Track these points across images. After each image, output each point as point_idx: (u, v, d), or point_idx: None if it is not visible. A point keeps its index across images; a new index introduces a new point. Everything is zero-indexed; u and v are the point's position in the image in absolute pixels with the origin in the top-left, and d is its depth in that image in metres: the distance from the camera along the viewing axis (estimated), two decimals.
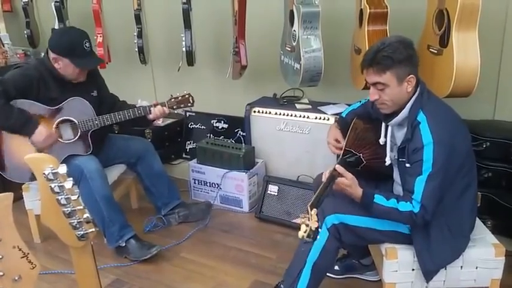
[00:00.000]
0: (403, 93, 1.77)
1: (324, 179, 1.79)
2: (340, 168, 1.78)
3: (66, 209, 1.11)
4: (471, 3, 1.94)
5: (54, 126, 2.48)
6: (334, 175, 1.76)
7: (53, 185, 1.08)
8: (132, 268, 2.54)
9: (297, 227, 2.69)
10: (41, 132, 2.42)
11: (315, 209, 1.59)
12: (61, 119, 2.49)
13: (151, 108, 2.56)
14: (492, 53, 2.44)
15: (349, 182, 1.78)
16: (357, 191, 1.79)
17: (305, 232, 1.54)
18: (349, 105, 2.32)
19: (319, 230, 1.56)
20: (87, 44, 2.44)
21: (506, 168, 2.32)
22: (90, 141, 2.54)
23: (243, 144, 3.17)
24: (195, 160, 3.25)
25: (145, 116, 2.57)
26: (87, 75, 2.57)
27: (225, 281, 2.41)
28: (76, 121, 2.50)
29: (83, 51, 2.42)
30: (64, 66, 2.44)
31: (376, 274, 2.26)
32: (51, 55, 2.44)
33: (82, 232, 1.15)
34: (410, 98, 1.79)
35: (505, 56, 2.47)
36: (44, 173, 1.07)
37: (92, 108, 2.53)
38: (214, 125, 3.49)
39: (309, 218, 1.56)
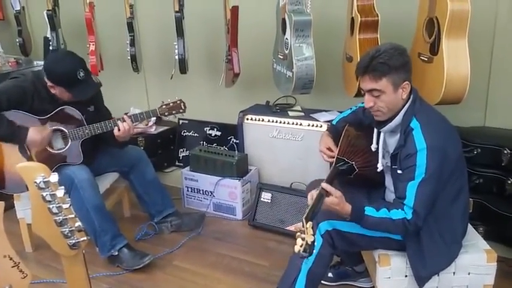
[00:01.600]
0: (398, 100, 1.78)
1: (309, 199, 1.74)
2: (327, 187, 1.72)
3: (57, 218, 1.11)
4: (460, 11, 1.96)
5: None
6: (322, 194, 1.71)
7: (44, 194, 1.08)
8: (124, 277, 2.52)
9: (290, 235, 2.75)
10: (34, 133, 2.39)
11: (310, 222, 1.56)
12: (51, 128, 2.48)
13: (119, 122, 2.50)
14: (482, 60, 2.46)
15: (337, 200, 1.71)
16: (346, 207, 1.73)
17: (301, 246, 1.50)
18: (341, 112, 2.33)
19: (315, 244, 1.53)
20: (82, 74, 2.38)
21: (497, 174, 2.34)
22: (80, 150, 2.53)
23: (236, 151, 3.17)
24: (188, 168, 3.24)
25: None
26: None
27: None
28: (66, 130, 2.49)
29: (77, 81, 2.37)
30: (60, 93, 2.43)
31: (370, 281, 2.26)
32: (48, 82, 2.42)
33: (74, 241, 1.14)
34: (404, 105, 1.80)
35: (494, 63, 2.50)
36: (36, 182, 1.07)
37: (81, 117, 2.51)
38: (207, 132, 3.49)
39: (304, 231, 1.53)
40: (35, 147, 2.43)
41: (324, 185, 1.73)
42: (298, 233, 1.53)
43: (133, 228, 2.91)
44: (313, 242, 1.51)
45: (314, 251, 1.52)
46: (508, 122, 2.50)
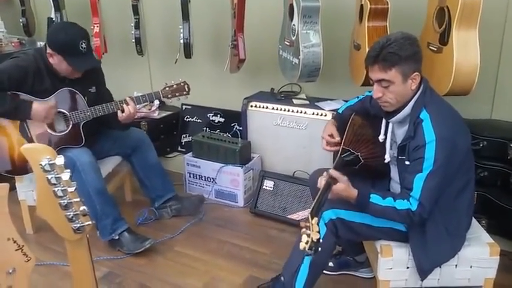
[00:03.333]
0: (407, 91, 1.75)
1: (319, 185, 1.76)
2: (335, 173, 1.74)
3: (62, 201, 1.10)
4: (472, 1, 1.93)
5: None
6: (329, 182, 1.72)
7: (49, 177, 1.07)
8: (125, 261, 2.52)
9: (292, 223, 2.74)
10: (38, 108, 2.37)
11: (315, 218, 1.53)
12: (56, 102, 2.44)
13: (124, 106, 2.49)
14: (491, 52, 2.43)
15: (343, 186, 1.74)
16: (352, 192, 1.76)
17: (306, 243, 1.48)
18: (346, 101, 2.31)
19: (321, 241, 1.50)
20: (84, 45, 2.36)
21: (503, 167, 2.32)
22: (82, 133, 2.51)
23: (239, 138, 3.15)
24: (190, 153, 3.23)
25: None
26: (87, 70, 2.53)
27: (218, 276, 2.40)
28: (67, 112, 2.47)
29: (78, 51, 2.35)
30: (58, 63, 2.40)
31: (371, 271, 2.26)
32: (47, 49, 2.40)
33: (78, 225, 1.13)
34: (414, 96, 1.77)
35: (504, 55, 2.47)
36: (41, 164, 1.06)
37: (83, 99, 2.49)
38: (211, 118, 3.47)
39: (309, 227, 1.50)
40: (40, 120, 2.40)
41: (332, 171, 1.74)
42: (304, 229, 1.50)
43: (135, 212, 2.91)
44: (319, 239, 1.48)
45: (320, 248, 1.50)
46: None
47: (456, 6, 1.94)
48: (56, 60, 2.40)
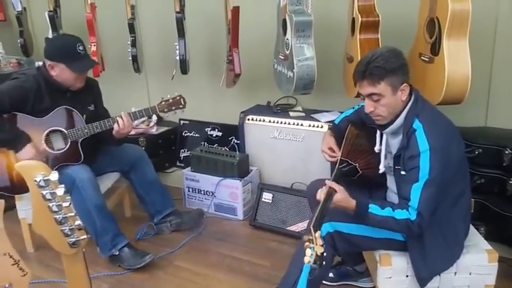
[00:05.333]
0: (398, 102, 1.77)
1: (318, 197, 1.74)
2: (333, 184, 1.73)
3: (57, 216, 1.11)
4: (461, 12, 1.96)
5: (44, 136, 2.46)
6: (331, 192, 1.71)
7: (44, 192, 1.08)
8: (125, 277, 2.52)
9: (292, 235, 2.74)
10: (28, 151, 2.40)
11: (319, 232, 1.53)
12: (50, 129, 2.48)
13: (117, 118, 2.51)
14: (483, 60, 2.46)
15: (342, 196, 1.73)
16: (350, 203, 1.74)
17: (311, 257, 1.46)
18: (342, 112, 2.33)
19: (325, 254, 1.48)
20: (81, 47, 2.44)
21: (499, 174, 2.33)
22: (80, 150, 2.53)
23: (237, 152, 3.17)
24: (189, 168, 3.24)
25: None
26: (86, 89, 2.57)
27: None
28: (65, 131, 2.49)
29: (77, 54, 2.42)
30: (60, 72, 2.43)
31: (371, 281, 2.26)
32: (47, 62, 2.44)
33: (74, 239, 1.14)
34: (405, 106, 1.79)
35: (495, 63, 2.49)
36: (36, 180, 1.07)
37: (80, 117, 2.52)
38: (208, 133, 3.49)
39: (312, 241, 1.49)
40: (25, 158, 2.39)
41: (329, 182, 1.73)
42: (307, 243, 1.49)
43: (134, 228, 2.91)
44: (323, 253, 1.47)
45: (324, 262, 1.48)
46: (510, 122, 2.50)
47: (446, 17, 1.96)
48: (57, 71, 2.43)
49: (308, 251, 1.47)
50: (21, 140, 2.40)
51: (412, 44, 2.26)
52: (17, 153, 2.40)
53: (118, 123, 2.50)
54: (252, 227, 2.97)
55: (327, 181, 1.76)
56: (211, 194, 3.13)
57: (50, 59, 2.43)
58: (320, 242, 1.49)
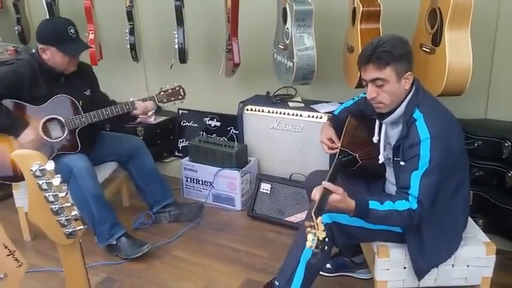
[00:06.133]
0: (401, 90, 1.75)
1: (313, 196, 1.67)
2: (329, 186, 1.66)
3: (54, 206, 1.10)
4: (463, 2, 1.94)
5: (41, 125, 2.45)
6: (325, 193, 1.65)
7: (40, 182, 1.07)
8: (123, 266, 2.52)
9: (290, 226, 2.74)
10: (28, 134, 2.39)
11: (320, 217, 1.50)
12: (48, 117, 2.46)
13: (137, 102, 2.55)
14: (484, 52, 2.44)
15: (340, 197, 1.65)
16: (350, 204, 1.67)
17: (313, 242, 1.44)
18: (341, 103, 2.31)
19: (326, 239, 1.46)
20: (72, 30, 2.42)
21: (498, 166, 2.33)
22: (78, 139, 2.51)
23: (236, 142, 3.16)
24: (187, 158, 3.23)
25: (130, 112, 2.56)
26: (79, 73, 2.54)
27: (216, 280, 2.40)
28: (62, 119, 2.47)
29: (68, 37, 2.40)
30: (52, 56, 2.41)
31: (368, 272, 2.26)
32: (39, 46, 2.42)
33: (70, 230, 1.13)
34: (407, 96, 1.78)
35: (496, 55, 2.48)
36: (32, 170, 1.06)
37: (78, 105, 2.50)
38: (207, 123, 3.48)
39: (314, 227, 1.47)
40: (23, 147, 2.39)
41: (326, 184, 1.66)
42: (309, 229, 1.47)
43: (132, 217, 2.92)
44: (325, 238, 1.45)
45: (326, 246, 1.46)
46: (509, 115, 2.49)
47: (448, 7, 1.95)
48: (49, 55, 2.42)
49: (310, 236, 1.45)
50: (20, 124, 2.39)
51: (412, 35, 2.24)
52: (17, 138, 2.39)
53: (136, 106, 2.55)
54: (250, 217, 2.97)
55: (324, 182, 1.68)
56: (209, 184, 3.12)
57: (42, 42, 2.41)
58: (322, 227, 1.47)
